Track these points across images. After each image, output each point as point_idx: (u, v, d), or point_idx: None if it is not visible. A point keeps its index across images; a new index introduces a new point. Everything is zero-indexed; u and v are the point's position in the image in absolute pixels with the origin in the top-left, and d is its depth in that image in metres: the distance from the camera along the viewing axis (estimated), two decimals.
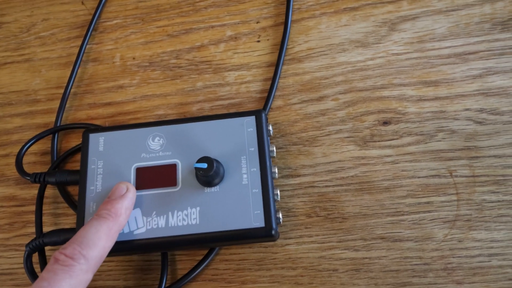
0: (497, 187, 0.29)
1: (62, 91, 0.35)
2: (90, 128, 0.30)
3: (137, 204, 0.28)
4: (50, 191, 0.33)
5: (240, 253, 0.30)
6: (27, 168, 0.34)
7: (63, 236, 0.28)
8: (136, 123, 0.30)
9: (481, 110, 0.31)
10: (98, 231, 0.24)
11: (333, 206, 0.30)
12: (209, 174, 0.26)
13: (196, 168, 0.26)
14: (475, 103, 0.31)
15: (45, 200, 0.32)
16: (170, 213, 0.27)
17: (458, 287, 0.27)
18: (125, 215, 0.26)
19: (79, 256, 0.23)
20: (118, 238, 0.27)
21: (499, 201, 0.29)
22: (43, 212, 0.32)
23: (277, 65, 0.34)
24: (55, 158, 0.33)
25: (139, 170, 0.28)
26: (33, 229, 0.32)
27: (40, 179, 0.30)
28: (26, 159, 0.34)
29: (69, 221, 0.32)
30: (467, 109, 0.31)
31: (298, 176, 0.31)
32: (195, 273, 0.29)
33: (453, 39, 0.33)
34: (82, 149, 0.29)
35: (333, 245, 0.29)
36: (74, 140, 0.34)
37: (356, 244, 0.29)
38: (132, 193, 0.27)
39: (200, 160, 0.26)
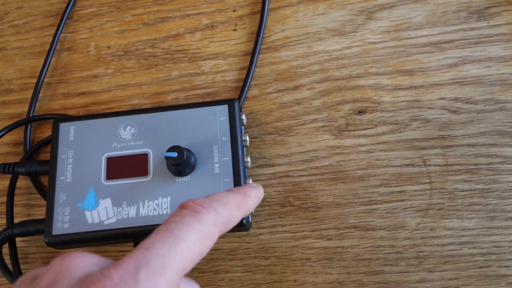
0: (469, 176, 0.29)
1: (35, 80, 0.35)
2: (60, 118, 0.30)
3: (108, 194, 0.27)
4: (23, 182, 0.32)
5: None
6: (0, 158, 0.33)
7: (33, 227, 0.28)
8: (107, 112, 0.30)
9: (456, 99, 0.31)
10: (228, 197, 0.22)
11: (307, 195, 0.30)
12: (179, 163, 0.26)
13: (166, 158, 0.26)
14: (450, 92, 0.31)
15: (18, 191, 0.32)
16: (141, 203, 0.27)
17: (429, 275, 0.28)
18: (253, 200, 0.24)
19: (210, 207, 0.20)
20: (87, 228, 0.26)
21: (471, 189, 0.29)
22: (16, 203, 0.32)
23: (253, 54, 0.33)
24: (27, 149, 0.32)
25: (110, 160, 0.28)
26: (4, 221, 0.31)
27: (9, 169, 0.30)
28: None
29: (42, 212, 0.31)
30: (441, 98, 0.31)
31: (273, 165, 0.31)
32: None
33: (429, 28, 0.33)
34: (52, 139, 0.29)
35: (306, 234, 0.29)
36: (47, 131, 0.34)
37: (329, 233, 0.29)
38: (261, 189, 0.25)
39: (170, 149, 0.26)
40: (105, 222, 0.27)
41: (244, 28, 0.35)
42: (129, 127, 0.29)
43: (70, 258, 0.18)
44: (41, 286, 0.17)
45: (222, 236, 0.30)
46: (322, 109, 0.32)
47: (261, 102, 0.33)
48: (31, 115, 0.33)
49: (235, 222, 0.22)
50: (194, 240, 0.19)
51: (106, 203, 0.27)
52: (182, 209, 0.20)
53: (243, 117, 0.29)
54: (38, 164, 0.30)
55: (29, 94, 0.35)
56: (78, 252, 0.18)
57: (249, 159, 0.28)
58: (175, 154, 0.26)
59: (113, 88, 0.34)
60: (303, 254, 0.29)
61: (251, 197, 0.24)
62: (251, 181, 0.28)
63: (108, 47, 0.36)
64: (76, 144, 0.29)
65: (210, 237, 0.20)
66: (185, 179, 0.27)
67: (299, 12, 0.35)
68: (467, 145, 0.30)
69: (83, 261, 0.18)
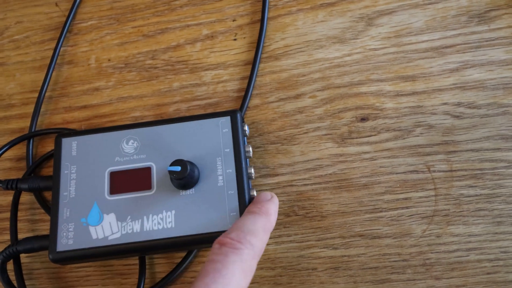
0: (474, 181, 0.29)
1: (37, 95, 0.35)
2: (62, 133, 0.30)
3: (112, 208, 0.27)
4: (27, 197, 0.32)
5: None
6: (2, 174, 0.33)
7: (37, 244, 0.28)
8: (109, 126, 0.30)
9: (459, 104, 0.31)
10: (256, 224, 0.23)
11: (312, 204, 0.30)
12: (182, 177, 0.26)
13: (170, 172, 0.26)
14: (452, 97, 0.31)
15: (21, 207, 0.32)
16: (145, 217, 0.27)
17: (437, 282, 0.27)
18: (275, 217, 0.25)
19: (246, 241, 0.22)
20: (92, 244, 0.26)
21: (476, 195, 0.29)
22: (20, 218, 0.32)
23: (253, 63, 0.33)
24: (30, 164, 0.32)
25: (113, 174, 0.28)
26: (9, 236, 0.31)
27: (12, 186, 0.30)
28: (1, 165, 0.33)
29: (46, 227, 0.31)
30: (444, 103, 0.31)
31: (276, 175, 0.31)
32: (173, 276, 0.29)
33: (430, 33, 0.33)
34: (55, 154, 0.29)
35: (312, 243, 0.29)
36: (50, 145, 0.33)
37: (334, 242, 0.29)
38: (277, 199, 0.26)
39: (174, 163, 0.26)
40: (110, 238, 0.27)
41: (244, 38, 0.35)
42: (131, 140, 0.29)
43: None
44: None
45: None
46: (324, 117, 0.32)
47: (263, 111, 0.32)
48: (33, 130, 0.33)
49: (265, 246, 0.23)
50: (240, 277, 0.21)
51: (110, 218, 0.27)
52: (222, 246, 0.21)
53: (246, 128, 0.29)
54: (41, 180, 0.29)
55: (30, 108, 0.35)
56: None
57: (252, 170, 0.28)
58: (178, 168, 0.26)
59: (115, 100, 0.34)
60: (309, 264, 0.29)
61: (273, 215, 0.25)
62: (255, 192, 0.28)
63: (109, 60, 0.36)
64: (79, 159, 0.29)
65: (251, 271, 0.22)
66: (189, 192, 0.27)
67: (299, 20, 0.35)
68: (471, 150, 0.30)
69: None
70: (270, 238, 0.29)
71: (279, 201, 0.30)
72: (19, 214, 0.31)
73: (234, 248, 0.21)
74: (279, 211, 0.30)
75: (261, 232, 0.23)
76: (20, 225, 0.31)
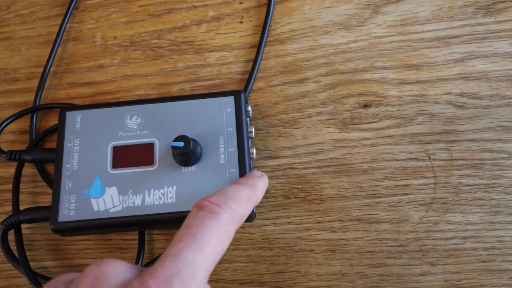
0: (474, 171, 0.29)
1: (41, 70, 0.35)
2: (66, 107, 0.30)
3: (114, 182, 0.27)
4: (29, 169, 0.33)
5: None
6: (6, 147, 0.33)
7: (39, 214, 0.28)
8: (114, 101, 0.30)
9: (462, 94, 0.31)
10: (240, 192, 0.23)
11: (311, 188, 0.30)
12: (185, 153, 0.26)
13: (173, 147, 0.26)
14: (456, 87, 0.31)
15: (23, 179, 0.32)
16: (146, 192, 0.27)
17: (432, 268, 0.28)
18: (261, 192, 0.25)
19: (225, 205, 0.21)
20: (93, 216, 0.26)
21: (475, 184, 0.29)
22: (22, 190, 0.32)
23: (259, 46, 0.33)
24: (33, 137, 0.33)
25: (116, 149, 0.28)
26: (10, 207, 0.31)
27: (16, 157, 0.30)
28: (4, 138, 0.34)
29: (47, 199, 0.32)
30: (447, 93, 0.31)
31: (278, 157, 0.31)
32: None
33: (436, 23, 0.33)
34: (59, 127, 0.29)
35: (310, 226, 0.29)
36: (53, 119, 0.34)
37: (332, 225, 0.29)
38: (267, 178, 0.26)
39: (177, 139, 0.26)
40: (111, 210, 0.27)
41: (250, 21, 0.35)
42: (135, 116, 0.29)
43: (105, 266, 0.19)
44: None
45: None
46: (327, 102, 0.32)
47: (267, 94, 0.33)
48: (37, 104, 0.33)
49: (246, 216, 0.23)
50: (216, 242, 0.20)
51: (112, 192, 0.27)
52: (200, 209, 0.21)
53: (249, 108, 0.29)
54: (44, 152, 0.30)
55: (35, 83, 0.35)
56: (111, 259, 0.19)
57: (254, 151, 0.28)
58: (181, 144, 0.26)
59: (119, 78, 0.34)
60: (307, 245, 0.29)
61: (259, 189, 0.25)
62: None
63: (115, 38, 0.36)
64: (83, 133, 0.29)
65: (228, 236, 0.21)
66: (191, 169, 0.27)
67: (306, 5, 0.35)
68: (472, 140, 0.30)
69: (117, 268, 0.19)
70: (269, 219, 0.30)
71: (279, 183, 0.30)
72: (21, 186, 0.32)
73: (212, 212, 0.21)
74: (278, 193, 0.30)
75: (243, 201, 0.23)
76: (21, 197, 0.32)
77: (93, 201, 0.27)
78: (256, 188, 0.24)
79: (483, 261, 0.28)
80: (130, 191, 0.27)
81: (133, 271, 0.19)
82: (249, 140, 0.29)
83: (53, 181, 0.28)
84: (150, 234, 0.30)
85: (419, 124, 0.31)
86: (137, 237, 0.30)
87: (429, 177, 0.29)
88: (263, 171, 0.30)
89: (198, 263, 0.19)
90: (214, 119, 0.29)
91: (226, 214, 0.21)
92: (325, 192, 0.30)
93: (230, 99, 0.29)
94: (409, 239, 0.28)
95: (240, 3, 0.35)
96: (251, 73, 0.33)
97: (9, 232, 0.29)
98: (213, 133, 0.28)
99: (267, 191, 0.30)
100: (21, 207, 0.31)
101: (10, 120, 0.32)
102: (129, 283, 0.18)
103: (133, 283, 0.18)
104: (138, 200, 0.27)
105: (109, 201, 0.27)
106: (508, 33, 0.32)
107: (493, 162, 0.29)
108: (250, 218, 0.27)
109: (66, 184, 0.28)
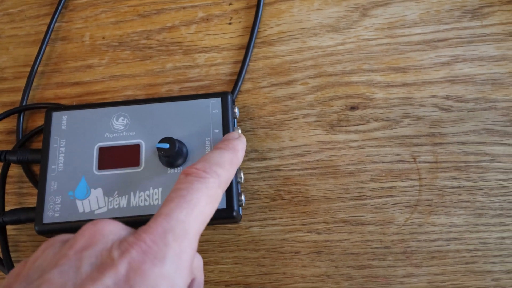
0: (458, 173, 0.29)
1: (29, 69, 0.35)
2: (53, 107, 0.30)
3: (99, 183, 0.27)
4: (15, 170, 0.32)
5: (203, 235, 0.30)
6: None
7: (24, 215, 0.28)
8: (100, 102, 0.30)
9: (447, 97, 0.31)
10: (223, 157, 0.24)
11: (298, 189, 0.30)
12: (170, 154, 0.26)
13: (158, 149, 0.26)
14: (442, 90, 0.31)
15: (9, 180, 0.32)
16: (132, 193, 0.27)
17: (416, 270, 0.28)
18: (242, 153, 0.26)
19: (211, 171, 0.22)
20: (78, 217, 0.26)
21: (460, 187, 0.29)
22: (8, 191, 0.32)
23: (247, 48, 0.33)
24: (20, 137, 0.32)
25: (102, 150, 0.28)
26: None
27: (1, 157, 0.30)
28: None
29: (33, 201, 0.31)
30: (433, 96, 0.31)
31: (265, 159, 0.31)
32: None
33: (423, 26, 0.33)
34: (45, 128, 0.29)
35: (296, 227, 0.29)
36: (40, 120, 0.33)
37: (318, 227, 0.29)
38: (244, 138, 0.27)
39: (162, 141, 0.26)
40: (96, 212, 0.27)
41: (239, 22, 0.35)
42: (121, 117, 0.29)
43: (101, 224, 0.20)
44: (76, 247, 0.19)
45: (213, 228, 0.30)
46: (314, 104, 0.32)
47: (255, 96, 0.33)
48: (24, 104, 0.33)
49: (231, 179, 0.24)
50: (205, 203, 0.21)
51: (97, 193, 0.27)
52: (188, 175, 0.22)
53: (236, 110, 0.30)
54: (30, 153, 0.30)
55: (22, 82, 0.34)
56: (106, 219, 0.20)
57: (237, 166, 0.28)
58: (167, 145, 0.26)
59: (107, 78, 0.34)
60: (293, 247, 0.29)
61: (240, 151, 0.26)
62: (242, 174, 0.28)
63: (103, 38, 0.36)
64: (69, 134, 0.29)
65: (216, 198, 0.22)
66: (177, 170, 0.27)
67: (295, 7, 0.35)
68: (457, 143, 0.30)
69: (113, 226, 0.20)
70: (255, 220, 0.30)
71: (266, 184, 0.30)
72: (7, 187, 0.32)
73: (199, 177, 0.22)
74: (265, 194, 0.30)
75: (227, 165, 0.24)
76: (7, 198, 0.32)
77: (78, 202, 0.27)
78: (237, 150, 0.25)
79: (467, 263, 0.28)
80: (116, 192, 0.27)
81: (127, 229, 0.20)
82: None
83: (38, 182, 0.28)
84: None
85: (405, 127, 0.31)
86: None
87: (414, 179, 0.30)
88: (250, 173, 0.31)
89: (189, 221, 0.20)
90: (200, 121, 0.29)
91: (213, 178, 0.22)
92: (311, 194, 0.30)
93: (217, 101, 0.29)
94: (394, 240, 0.29)
95: (230, 4, 0.36)
96: (239, 74, 0.33)
97: None
98: (199, 134, 0.28)
99: (254, 192, 0.30)
100: (7, 208, 0.31)
101: None
102: (125, 239, 0.19)
103: (129, 239, 0.19)
104: (123, 202, 0.27)
105: (95, 203, 0.27)
106: (494, 37, 0.32)
107: (478, 165, 0.29)
108: (236, 220, 0.27)
109: (51, 185, 0.27)
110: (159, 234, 0.19)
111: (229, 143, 0.25)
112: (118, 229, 0.20)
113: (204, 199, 0.21)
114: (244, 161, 0.31)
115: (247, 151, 0.31)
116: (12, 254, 0.30)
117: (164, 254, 0.18)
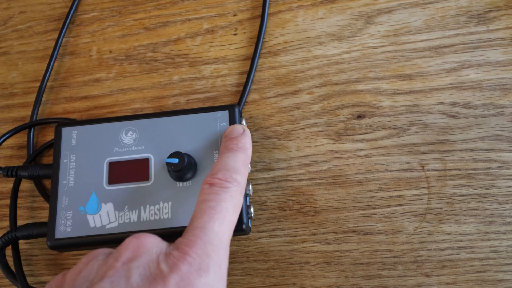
0: (467, 181, 0.29)
1: (38, 84, 0.35)
2: (63, 122, 0.30)
3: (110, 198, 0.28)
4: (27, 185, 0.33)
5: None
6: (4, 162, 0.34)
7: (36, 230, 0.28)
8: (109, 117, 0.30)
9: (455, 104, 0.31)
10: (237, 161, 0.25)
11: (306, 199, 0.30)
12: (180, 169, 0.26)
13: (167, 164, 0.26)
14: (449, 97, 0.31)
15: (21, 194, 0.33)
16: (142, 208, 0.27)
17: (427, 279, 0.28)
18: (250, 149, 0.27)
19: (233, 179, 0.24)
20: (89, 232, 0.27)
21: (469, 194, 0.29)
22: (20, 205, 0.32)
23: (253, 58, 0.33)
24: (31, 152, 0.33)
25: (111, 165, 0.28)
26: (8, 223, 0.32)
27: (13, 173, 0.30)
28: (2, 153, 0.34)
29: (45, 215, 0.32)
30: (440, 103, 0.31)
31: (272, 170, 0.31)
32: None
33: (428, 32, 0.33)
34: (55, 143, 0.29)
35: (305, 238, 0.29)
36: (50, 134, 0.34)
37: (327, 237, 0.29)
38: (249, 131, 0.28)
39: (171, 156, 0.27)
40: (107, 226, 0.27)
41: (244, 33, 0.35)
42: (130, 132, 0.29)
43: (143, 237, 0.21)
44: (122, 259, 0.20)
45: None
46: (321, 113, 0.32)
47: (261, 106, 0.33)
48: (34, 119, 0.34)
49: (246, 180, 0.25)
50: (232, 211, 0.23)
51: (108, 208, 0.27)
52: (212, 186, 0.23)
53: (243, 122, 0.30)
54: (40, 168, 0.30)
55: (32, 98, 0.35)
56: (147, 234, 0.22)
57: (249, 165, 0.29)
58: (176, 160, 0.26)
59: (115, 92, 0.35)
60: (302, 258, 0.29)
61: (249, 149, 0.27)
62: (251, 186, 0.28)
63: (110, 52, 0.36)
64: (79, 149, 0.29)
65: (240, 205, 0.24)
66: (186, 184, 0.28)
67: (299, 17, 0.35)
68: (466, 150, 0.30)
69: (153, 239, 0.21)
70: (264, 231, 0.30)
71: (274, 195, 0.30)
72: (18, 201, 0.32)
73: (223, 187, 0.23)
74: (273, 205, 0.30)
75: (243, 168, 0.25)
76: (19, 212, 0.32)
77: (90, 217, 0.27)
78: (246, 149, 0.26)
79: (478, 272, 0.28)
80: (126, 207, 0.27)
81: (165, 242, 0.22)
82: None
83: (50, 198, 0.28)
84: None
85: (413, 135, 0.31)
86: None
87: (423, 187, 0.30)
88: (258, 184, 0.31)
89: (223, 231, 0.21)
90: (208, 134, 0.29)
91: (235, 187, 0.23)
92: (319, 204, 0.30)
93: (224, 114, 0.29)
94: (404, 250, 0.29)
95: (234, 15, 0.36)
96: (245, 85, 0.33)
97: (7, 248, 0.30)
98: (207, 148, 0.28)
99: (262, 203, 0.30)
100: (19, 222, 0.31)
101: (7, 135, 0.33)
102: (169, 253, 0.20)
103: (173, 253, 0.20)
104: (134, 216, 0.27)
105: (105, 217, 0.27)
106: (501, 41, 0.32)
107: (487, 172, 0.29)
108: (245, 231, 0.27)
109: (63, 200, 0.28)
110: (200, 247, 0.20)
111: (238, 142, 0.26)
112: (158, 242, 0.21)
113: (231, 208, 0.22)
114: (251, 172, 0.31)
115: (254, 162, 0.31)
116: (24, 268, 0.30)
117: (207, 265, 0.20)
